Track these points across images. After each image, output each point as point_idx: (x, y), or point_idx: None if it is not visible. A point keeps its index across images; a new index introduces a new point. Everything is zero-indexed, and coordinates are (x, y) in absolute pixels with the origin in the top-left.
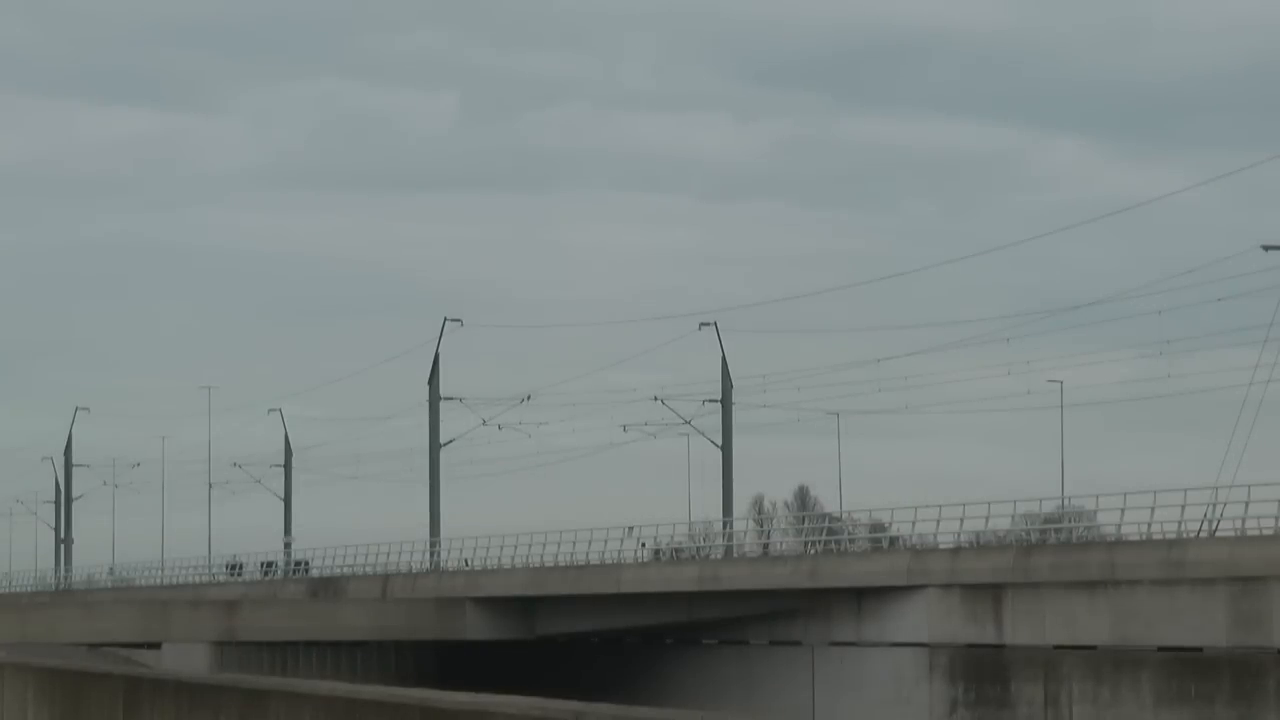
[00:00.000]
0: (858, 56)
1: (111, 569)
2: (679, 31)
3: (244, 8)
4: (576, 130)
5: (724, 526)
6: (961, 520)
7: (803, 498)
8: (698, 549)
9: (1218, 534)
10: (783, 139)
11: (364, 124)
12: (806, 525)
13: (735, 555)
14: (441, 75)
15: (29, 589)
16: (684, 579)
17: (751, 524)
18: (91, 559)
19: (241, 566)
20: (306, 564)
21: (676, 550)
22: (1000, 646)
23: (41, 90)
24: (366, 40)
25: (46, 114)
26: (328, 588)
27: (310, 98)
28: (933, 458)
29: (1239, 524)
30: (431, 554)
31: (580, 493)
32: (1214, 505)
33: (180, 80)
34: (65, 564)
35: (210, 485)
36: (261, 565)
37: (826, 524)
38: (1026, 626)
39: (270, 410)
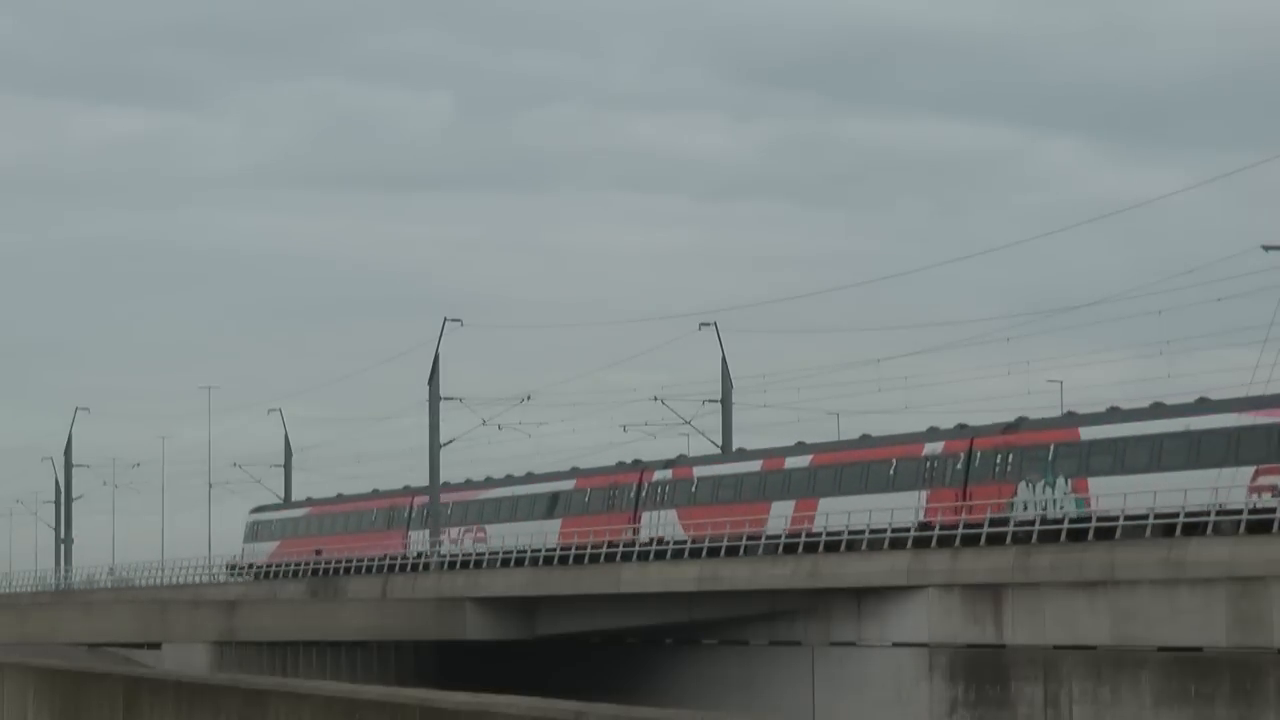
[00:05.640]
0: (853, 56)
1: (111, 569)
2: (674, 31)
3: (237, 7)
4: (572, 130)
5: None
6: (961, 520)
7: None
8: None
9: (1218, 534)
10: (778, 139)
11: (359, 124)
12: (806, 525)
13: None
14: (435, 75)
15: (29, 589)
16: (684, 579)
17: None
18: (91, 559)
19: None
20: (306, 564)
21: (677, 549)
22: (1000, 646)
23: (36, 90)
24: (360, 40)
25: (42, 114)
26: (328, 588)
27: (304, 98)
28: None
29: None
30: (431, 554)
31: None
32: (1214, 505)
33: (174, 80)
34: (65, 564)
35: (210, 485)
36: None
37: (826, 523)
38: (1026, 626)
39: (270, 410)
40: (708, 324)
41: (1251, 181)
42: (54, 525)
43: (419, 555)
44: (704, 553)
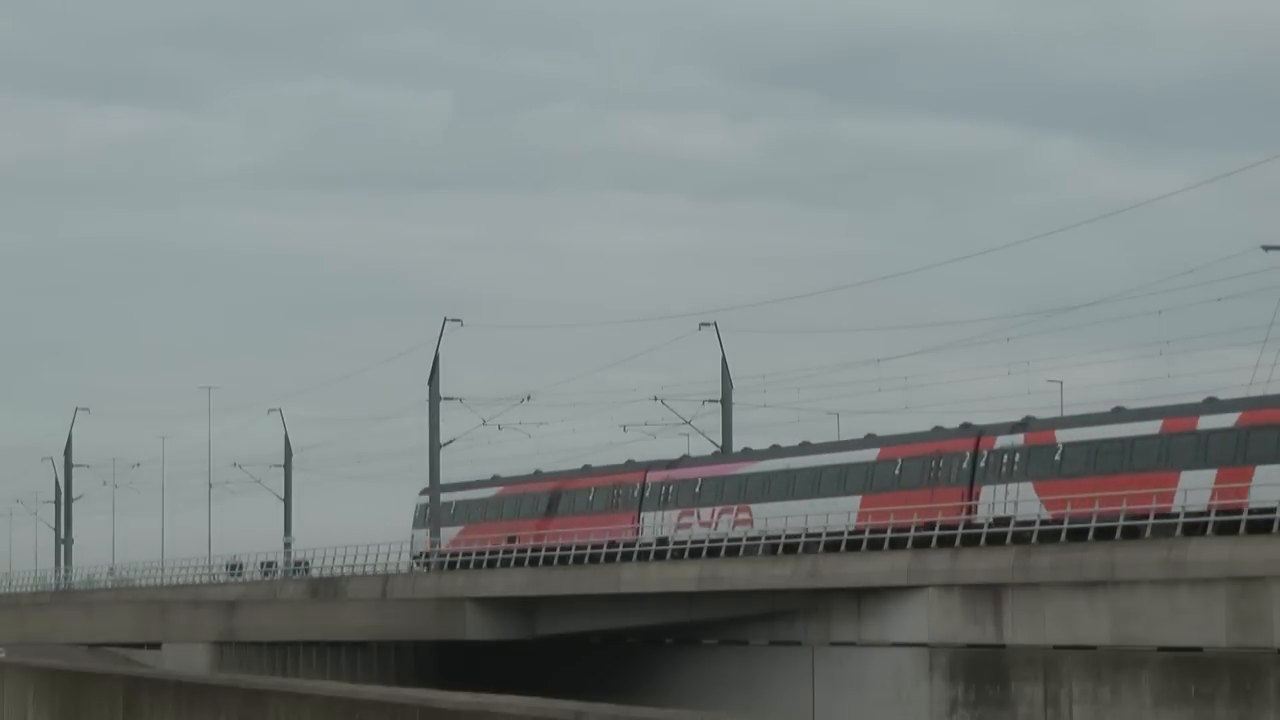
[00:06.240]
0: (852, 56)
1: (111, 569)
2: (672, 31)
3: (237, 7)
4: (571, 130)
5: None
6: (961, 520)
7: None
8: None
9: (1217, 534)
10: (778, 139)
11: (358, 124)
12: (807, 524)
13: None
14: (435, 75)
15: (29, 589)
16: (684, 579)
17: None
18: (91, 559)
19: (241, 566)
20: (306, 564)
21: (677, 549)
22: (1000, 646)
23: (36, 90)
24: (360, 40)
25: (42, 114)
26: (328, 588)
27: (304, 98)
28: None
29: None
30: (431, 554)
31: None
32: (1214, 504)
33: (174, 80)
34: (65, 564)
35: (210, 485)
36: (261, 565)
37: (827, 523)
38: (1026, 626)
39: (270, 410)
40: (708, 324)
41: (1251, 181)
42: (54, 525)
43: (662, 541)
44: (704, 553)
